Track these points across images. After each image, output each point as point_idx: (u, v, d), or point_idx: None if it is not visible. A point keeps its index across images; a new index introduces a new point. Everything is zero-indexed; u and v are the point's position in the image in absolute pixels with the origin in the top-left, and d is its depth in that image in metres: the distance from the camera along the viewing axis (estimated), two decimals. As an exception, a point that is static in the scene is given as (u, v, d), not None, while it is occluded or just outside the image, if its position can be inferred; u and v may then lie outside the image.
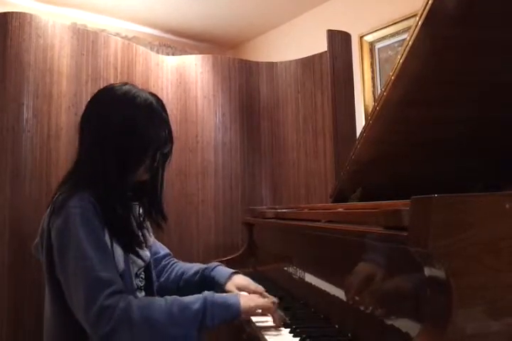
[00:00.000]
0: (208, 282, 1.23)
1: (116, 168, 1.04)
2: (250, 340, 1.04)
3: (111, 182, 1.04)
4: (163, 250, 1.35)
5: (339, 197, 1.40)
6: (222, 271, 1.25)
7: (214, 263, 1.30)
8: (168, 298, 0.97)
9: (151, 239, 1.28)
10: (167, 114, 1.15)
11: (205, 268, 1.27)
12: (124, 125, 1.05)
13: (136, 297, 1.04)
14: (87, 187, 1.02)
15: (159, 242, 1.37)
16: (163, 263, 1.32)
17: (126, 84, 1.13)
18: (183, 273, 1.28)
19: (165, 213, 1.19)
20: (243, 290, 1.18)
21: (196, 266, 1.30)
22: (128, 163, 1.06)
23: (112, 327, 0.88)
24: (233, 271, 1.26)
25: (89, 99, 1.13)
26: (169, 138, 1.14)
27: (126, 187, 1.09)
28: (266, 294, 1.15)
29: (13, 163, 1.76)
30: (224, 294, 1.06)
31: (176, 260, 1.35)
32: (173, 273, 1.29)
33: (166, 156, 1.14)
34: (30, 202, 1.78)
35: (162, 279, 1.29)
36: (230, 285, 1.19)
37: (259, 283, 1.26)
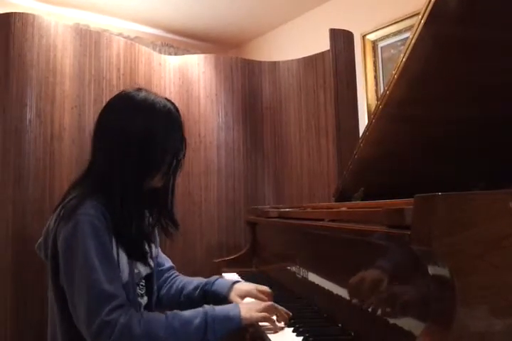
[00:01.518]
0: (209, 297, 1.20)
1: (134, 174, 1.04)
2: (253, 340, 1.04)
3: (128, 189, 1.03)
4: (168, 263, 1.34)
5: (342, 196, 1.40)
6: (222, 283, 1.23)
7: (214, 277, 1.26)
8: (168, 313, 0.97)
9: (157, 250, 1.26)
10: (182, 120, 1.14)
11: (206, 284, 1.23)
12: (145, 132, 1.04)
13: (138, 306, 1.04)
14: (101, 192, 1.02)
15: (164, 254, 1.35)
16: (166, 275, 1.31)
17: (140, 89, 1.12)
18: (182, 288, 1.25)
19: (176, 220, 1.17)
20: (249, 296, 1.17)
21: (196, 281, 1.26)
22: (147, 169, 1.06)
23: None
24: (234, 280, 1.24)
25: (103, 106, 1.12)
26: (184, 144, 1.14)
27: (141, 194, 1.08)
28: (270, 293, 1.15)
29: (16, 163, 1.76)
30: (224, 306, 1.03)
31: (177, 273, 1.33)
32: (174, 287, 1.27)
33: (179, 162, 1.14)
34: (33, 202, 1.78)
35: (163, 292, 1.27)
36: (233, 296, 1.17)
37: (263, 283, 1.26)
